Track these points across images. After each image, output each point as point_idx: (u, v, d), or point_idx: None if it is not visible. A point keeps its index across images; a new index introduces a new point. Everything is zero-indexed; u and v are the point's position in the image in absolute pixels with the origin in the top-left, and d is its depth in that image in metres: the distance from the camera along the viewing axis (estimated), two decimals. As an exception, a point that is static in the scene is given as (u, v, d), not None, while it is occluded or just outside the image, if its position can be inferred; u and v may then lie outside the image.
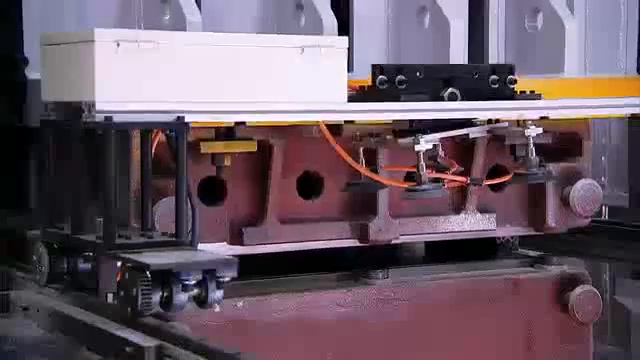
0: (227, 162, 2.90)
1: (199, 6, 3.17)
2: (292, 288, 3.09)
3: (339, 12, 3.38)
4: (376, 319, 3.16)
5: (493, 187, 3.44)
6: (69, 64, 2.53)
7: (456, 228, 3.38)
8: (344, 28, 3.39)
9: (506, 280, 3.38)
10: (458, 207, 3.40)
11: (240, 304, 2.92)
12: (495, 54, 3.74)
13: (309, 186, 3.21)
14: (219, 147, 2.88)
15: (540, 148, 3.21)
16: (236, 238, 3.04)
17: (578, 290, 3.38)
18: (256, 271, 3.06)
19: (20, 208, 3.03)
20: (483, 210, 3.43)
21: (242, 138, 2.90)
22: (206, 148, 2.85)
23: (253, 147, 2.93)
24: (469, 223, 3.39)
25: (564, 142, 3.47)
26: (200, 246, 2.55)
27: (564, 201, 3.44)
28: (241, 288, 2.88)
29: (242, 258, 2.47)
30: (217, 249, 2.86)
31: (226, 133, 2.89)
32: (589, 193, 3.43)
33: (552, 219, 3.46)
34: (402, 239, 3.28)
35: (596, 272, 3.87)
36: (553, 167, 3.41)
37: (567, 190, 3.43)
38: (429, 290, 3.26)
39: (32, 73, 2.90)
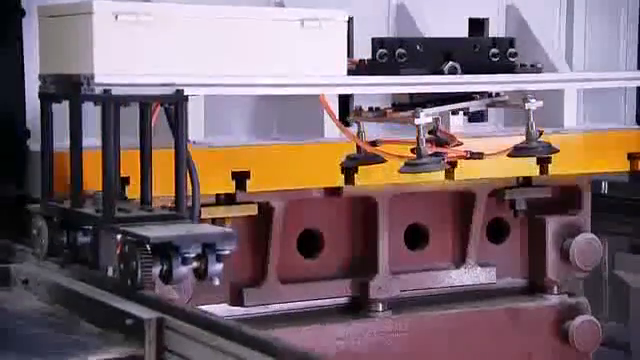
0: (227, 225, 2.93)
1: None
2: (293, 321, 3.10)
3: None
4: (377, 351, 3.16)
5: (493, 240, 3.51)
6: (67, 36, 2.51)
7: (456, 282, 3.42)
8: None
9: (506, 310, 3.40)
10: (458, 261, 3.44)
11: None
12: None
13: (309, 244, 3.24)
14: (220, 212, 2.91)
15: (540, 202, 3.26)
16: (236, 299, 3.07)
17: (578, 320, 3.41)
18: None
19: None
20: (483, 264, 3.46)
21: (243, 202, 2.92)
22: (207, 213, 2.86)
23: (254, 211, 2.97)
24: (469, 277, 3.45)
25: (564, 196, 3.50)
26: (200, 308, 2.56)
27: (564, 254, 3.47)
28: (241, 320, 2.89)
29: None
30: (217, 311, 2.89)
31: (227, 198, 2.91)
32: (589, 247, 3.47)
33: (552, 272, 3.50)
34: (402, 294, 3.30)
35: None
36: (554, 220, 3.45)
37: (567, 243, 3.46)
38: (429, 321, 3.26)
39: (34, 145, 2.90)
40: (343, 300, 3.29)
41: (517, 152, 3.17)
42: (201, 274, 2.36)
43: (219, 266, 2.36)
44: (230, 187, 2.89)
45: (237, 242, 2.98)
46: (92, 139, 2.60)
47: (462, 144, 3.13)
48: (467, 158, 3.17)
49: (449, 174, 3.15)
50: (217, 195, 2.97)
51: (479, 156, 3.20)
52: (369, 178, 3.07)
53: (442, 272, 3.40)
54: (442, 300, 3.43)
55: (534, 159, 3.27)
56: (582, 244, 3.47)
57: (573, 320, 3.45)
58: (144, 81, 2.48)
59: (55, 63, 2.58)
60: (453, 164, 3.15)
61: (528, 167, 3.31)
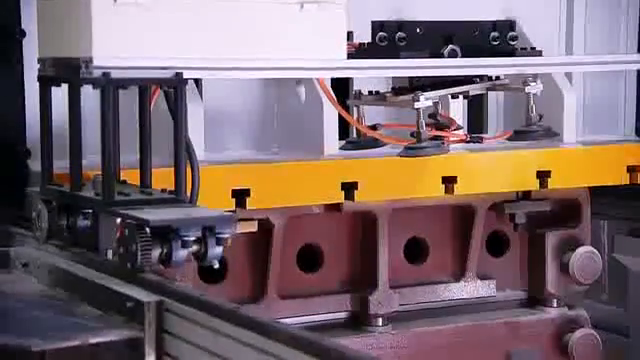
0: (228, 242, 2.92)
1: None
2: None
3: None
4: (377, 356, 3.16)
5: (493, 253, 3.51)
6: (66, 19, 2.50)
7: (456, 295, 3.42)
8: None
9: (506, 324, 3.40)
10: (458, 274, 3.43)
11: None
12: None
13: (309, 259, 3.24)
14: None
15: (540, 215, 3.24)
16: None
17: (578, 333, 3.41)
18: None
19: None
20: (483, 277, 3.46)
21: (242, 219, 2.92)
22: None
23: (253, 227, 2.96)
24: (469, 290, 3.44)
25: (564, 209, 3.50)
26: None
27: (563, 268, 3.47)
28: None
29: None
30: None
31: None
32: (589, 261, 3.47)
33: (551, 285, 3.50)
34: (402, 308, 3.30)
35: (595, 230, 3.88)
36: (553, 234, 3.46)
37: (567, 257, 3.47)
38: (428, 336, 3.27)
39: (34, 165, 2.89)
40: (343, 315, 3.29)
41: (517, 136, 3.17)
42: (201, 257, 2.37)
43: (219, 249, 2.36)
44: (230, 205, 2.89)
45: (238, 256, 3.04)
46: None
47: (462, 128, 3.14)
48: (467, 142, 3.17)
49: (448, 189, 3.17)
50: None
51: (479, 140, 3.21)
52: (369, 194, 3.07)
53: (442, 285, 3.42)
54: (442, 313, 3.42)
55: (534, 173, 3.28)
56: (582, 258, 3.48)
57: (573, 333, 3.45)
58: (143, 64, 2.47)
59: (54, 46, 2.57)
60: (452, 180, 3.14)
61: (528, 181, 3.32)
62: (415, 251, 3.45)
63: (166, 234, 2.32)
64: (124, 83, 2.48)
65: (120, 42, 2.44)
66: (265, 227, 3.07)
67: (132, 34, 2.46)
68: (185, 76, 2.51)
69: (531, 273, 3.55)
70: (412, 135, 3.01)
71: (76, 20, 2.46)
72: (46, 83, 2.61)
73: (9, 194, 2.92)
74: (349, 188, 3.04)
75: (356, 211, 3.19)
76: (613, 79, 3.81)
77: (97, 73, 2.41)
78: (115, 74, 2.42)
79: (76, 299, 2.38)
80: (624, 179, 3.46)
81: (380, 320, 3.24)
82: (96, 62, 2.41)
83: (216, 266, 2.40)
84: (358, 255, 3.32)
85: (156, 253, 2.31)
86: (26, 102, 2.96)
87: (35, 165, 2.86)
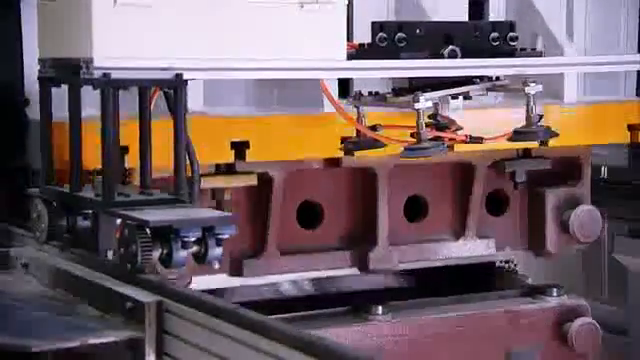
0: (227, 196, 2.91)
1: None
2: (292, 325, 3.08)
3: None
4: (376, 355, 3.15)
5: (492, 212, 3.48)
6: (66, 20, 2.51)
7: (455, 254, 3.40)
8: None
9: (506, 313, 3.39)
10: (457, 233, 3.42)
11: None
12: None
13: (309, 216, 3.23)
14: (219, 181, 2.89)
15: (540, 174, 3.23)
16: (236, 269, 3.05)
17: (578, 322, 3.41)
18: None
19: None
20: (482, 235, 3.45)
21: (242, 172, 2.91)
22: (206, 183, 2.85)
23: (253, 180, 2.95)
24: (468, 248, 3.42)
25: (564, 167, 3.49)
26: (199, 278, 2.55)
27: (563, 226, 3.46)
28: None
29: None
30: (216, 281, 2.89)
31: (226, 168, 2.90)
32: (588, 219, 3.45)
33: (551, 244, 3.49)
34: (402, 266, 3.29)
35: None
36: (553, 193, 3.43)
37: (567, 215, 3.45)
38: (429, 325, 3.26)
39: (32, 113, 2.89)
40: (342, 272, 3.27)
41: (517, 136, 3.17)
42: (201, 258, 2.37)
43: (219, 250, 2.37)
44: (229, 157, 2.87)
45: (238, 210, 3.01)
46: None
47: (462, 128, 3.13)
48: (467, 142, 3.17)
49: (449, 146, 3.15)
50: (217, 165, 2.94)
51: (479, 140, 3.21)
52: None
53: (441, 243, 3.39)
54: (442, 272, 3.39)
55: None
56: (581, 216, 3.45)
57: (573, 322, 3.45)
58: (143, 65, 2.47)
59: (54, 47, 2.57)
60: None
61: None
62: (415, 209, 3.43)
63: (166, 235, 2.32)
64: (124, 84, 2.48)
65: (120, 43, 2.44)
66: (265, 181, 3.04)
67: (132, 35, 2.46)
68: (185, 77, 2.51)
69: (531, 232, 3.52)
70: (412, 136, 3.01)
71: (76, 21, 2.46)
72: (46, 84, 2.61)
73: (8, 143, 2.92)
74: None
75: (356, 167, 3.17)
76: (613, 43, 3.77)
77: (97, 74, 2.41)
78: (115, 75, 2.42)
79: (76, 300, 2.38)
80: (625, 138, 3.43)
81: (380, 309, 3.23)
82: (96, 63, 2.41)
83: (217, 267, 2.40)
84: (358, 212, 3.29)
85: (156, 254, 2.32)
86: (24, 50, 2.93)
87: (33, 113, 2.83)
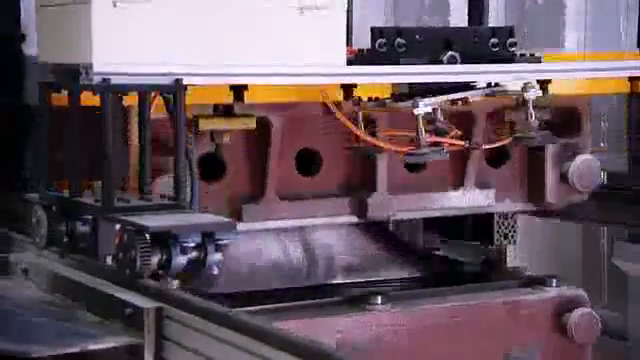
0: (226, 139, 2.89)
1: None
2: (292, 314, 3.08)
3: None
4: (375, 345, 3.15)
5: (492, 163, 3.44)
6: (66, 25, 2.51)
7: (454, 204, 3.38)
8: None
9: (505, 303, 3.39)
10: (456, 183, 3.40)
11: None
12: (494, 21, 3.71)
13: (308, 163, 3.22)
14: (218, 123, 2.88)
15: (540, 124, 3.19)
16: (235, 215, 3.04)
17: (577, 312, 3.40)
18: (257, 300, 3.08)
19: (18, 191, 3.00)
20: (482, 186, 3.43)
21: (241, 115, 2.90)
22: (204, 125, 2.84)
23: (252, 124, 2.93)
24: (467, 199, 3.40)
25: (564, 118, 3.46)
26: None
27: (563, 177, 3.45)
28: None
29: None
30: None
31: (225, 110, 2.89)
32: (587, 169, 3.44)
33: (551, 195, 3.46)
34: (400, 215, 3.28)
35: (594, 235, 3.88)
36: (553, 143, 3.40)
37: (566, 166, 3.43)
38: (428, 315, 3.25)
39: (29, 49, 2.88)
40: (341, 219, 3.25)
41: (516, 141, 3.18)
42: (200, 264, 2.37)
43: (218, 255, 2.36)
44: (228, 98, 2.83)
45: (237, 155, 2.97)
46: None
47: (461, 134, 3.13)
48: (466, 149, 3.17)
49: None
50: (215, 106, 2.90)
51: (477, 146, 3.21)
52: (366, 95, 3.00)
53: (440, 193, 3.36)
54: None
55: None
56: (581, 166, 3.43)
57: (572, 312, 3.44)
58: (143, 70, 2.48)
59: (54, 52, 2.58)
60: None
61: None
62: None
63: (165, 240, 2.32)
64: (124, 89, 2.48)
65: (120, 48, 2.45)
66: (264, 126, 3.01)
67: (132, 41, 2.47)
68: (185, 82, 2.52)
69: (530, 183, 3.51)
70: (411, 141, 3.01)
71: (76, 26, 2.47)
72: (46, 89, 2.62)
73: (4, 78, 2.90)
74: (349, 88, 2.97)
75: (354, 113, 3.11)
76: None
77: (97, 79, 2.41)
78: (115, 80, 2.43)
79: (76, 305, 2.38)
80: (625, 88, 3.40)
81: (379, 299, 3.22)
82: (96, 68, 2.41)
83: (216, 272, 2.40)
84: (358, 159, 3.25)
85: (155, 259, 2.32)
86: None
87: (29, 49, 2.80)
